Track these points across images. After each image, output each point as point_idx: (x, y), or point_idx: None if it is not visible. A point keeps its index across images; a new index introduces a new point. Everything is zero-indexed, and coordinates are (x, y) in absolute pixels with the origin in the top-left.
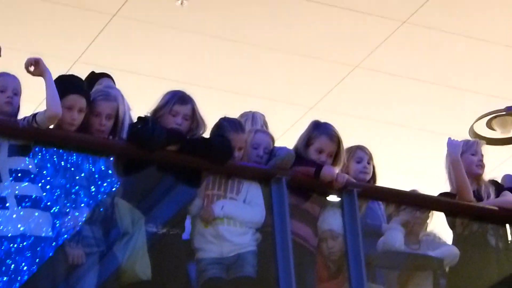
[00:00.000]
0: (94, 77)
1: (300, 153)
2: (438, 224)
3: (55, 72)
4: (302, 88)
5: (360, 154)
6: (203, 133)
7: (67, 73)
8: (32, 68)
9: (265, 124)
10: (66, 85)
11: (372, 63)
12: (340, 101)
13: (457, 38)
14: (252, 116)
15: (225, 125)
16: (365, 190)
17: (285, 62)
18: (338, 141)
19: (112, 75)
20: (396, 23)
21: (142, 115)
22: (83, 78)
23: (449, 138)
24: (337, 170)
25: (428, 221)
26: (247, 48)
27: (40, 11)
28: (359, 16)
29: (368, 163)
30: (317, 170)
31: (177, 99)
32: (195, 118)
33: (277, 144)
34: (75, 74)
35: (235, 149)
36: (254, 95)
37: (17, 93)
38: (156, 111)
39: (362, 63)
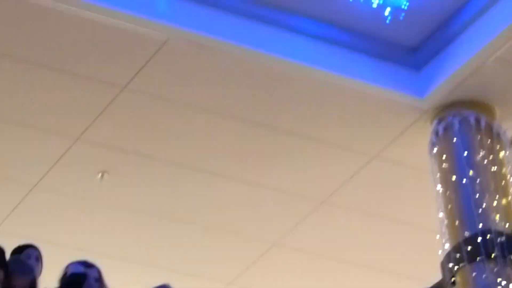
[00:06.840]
0: (20, 249)
1: None
2: None
3: None
4: (220, 264)
5: None
6: None
7: None
8: None
9: None
10: None
11: (291, 242)
12: (256, 277)
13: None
14: None
15: None
16: None
17: (204, 238)
18: None
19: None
20: (314, 202)
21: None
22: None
23: None
24: None
25: None
26: (166, 223)
27: None
28: (278, 195)
29: None
30: None
31: None
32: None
33: None
34: None
35: None
36: (173, 270)
37: None
38: None
39: (280, 241)
